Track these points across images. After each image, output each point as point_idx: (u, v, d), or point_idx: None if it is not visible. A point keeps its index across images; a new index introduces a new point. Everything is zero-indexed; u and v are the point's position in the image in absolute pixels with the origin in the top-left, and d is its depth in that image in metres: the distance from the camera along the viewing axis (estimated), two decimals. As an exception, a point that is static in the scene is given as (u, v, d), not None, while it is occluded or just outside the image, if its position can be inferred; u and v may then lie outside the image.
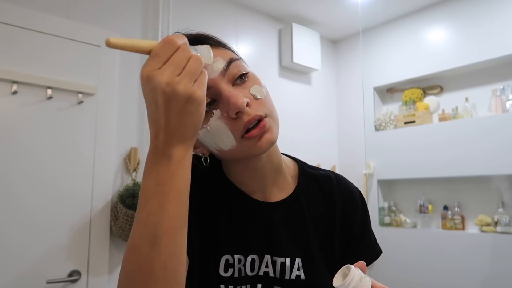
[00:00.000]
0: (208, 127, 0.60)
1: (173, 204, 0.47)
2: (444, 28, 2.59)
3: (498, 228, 2.25)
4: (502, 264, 2.16)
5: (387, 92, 3.00)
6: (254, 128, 0.59)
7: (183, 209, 0.49)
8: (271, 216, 0.69)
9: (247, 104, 0.59)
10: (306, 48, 2.80)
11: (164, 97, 0.46)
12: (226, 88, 0.59)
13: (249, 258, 0.66)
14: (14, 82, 1.65)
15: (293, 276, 0.66)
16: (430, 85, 2.76)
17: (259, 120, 0.60)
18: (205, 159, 0.68)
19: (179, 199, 0.48)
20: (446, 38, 2.57)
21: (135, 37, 2.08)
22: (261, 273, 0.67)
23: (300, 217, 0.70)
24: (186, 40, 0.48)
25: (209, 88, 0.56)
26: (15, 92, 1.65)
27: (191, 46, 0.49)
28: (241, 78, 0.62)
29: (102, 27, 1.95)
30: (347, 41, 3.20)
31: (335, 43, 3.28)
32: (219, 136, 0.60)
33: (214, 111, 0.59)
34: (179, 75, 0.46)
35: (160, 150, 0.48)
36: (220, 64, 0.61)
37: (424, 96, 2.78)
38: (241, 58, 0.66)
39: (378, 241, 0.78)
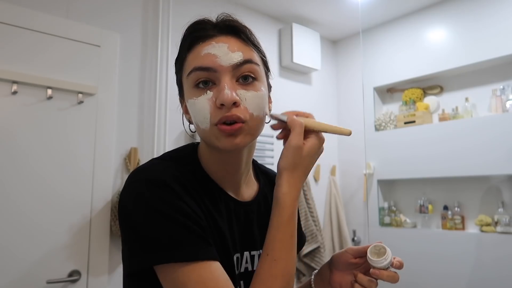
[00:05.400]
0: (195, 100, 0.64)
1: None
2: (444, 28, 2.59)
3: (498, 228, 2.25)
4: (502, 264, 2.16)
5: (387, 92, 3.00)
6: (228, 125, 0.62)
7: None
8: (250, 215, 0.74)
9: (235, 103, 0.62)
10: (306, 48, 2.80)
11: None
12: (227, 80, 0.63)
13: (235, 257, 0.69)
14: (14, 82, 1.65)
15: None
16: (430, 85, 2.76)
17: (236, 121, 0.62)
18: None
19: None
20: (446, 38, 2.57)
21: (135, 38, 2.09)
22: (242, 269, 0.71)
23: (267, 211, 0.73)
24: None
25: (214, 71, 0.63)
26: (15, 92, 1.65)
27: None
28: (245, 79, 0.65)
29: (102, 27, 1.95)
30: (347, 41, 3.20)
31: (335, 43, 3.28)
32: (199, 112, 0.64)
33: (208, 91, 0.64)
34: None
35: (299, 195, 0.66)
36: (236, 58, 0.64)
37: (424, 96, 2.78)
38: (259, 65, 0.68)
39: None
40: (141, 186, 0.61)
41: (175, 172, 0.64)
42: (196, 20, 0.70)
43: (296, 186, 0.65)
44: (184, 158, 0.71)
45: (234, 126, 0.62)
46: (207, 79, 0.64)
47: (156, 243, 0.57)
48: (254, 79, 0.66)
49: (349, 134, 0.66)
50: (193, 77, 0.64)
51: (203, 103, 0.63)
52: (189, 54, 0.67)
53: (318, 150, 0.67)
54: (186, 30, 0.69)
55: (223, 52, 0.64)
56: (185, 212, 0.59)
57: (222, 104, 0.61)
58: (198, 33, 0.67)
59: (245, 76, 0.65)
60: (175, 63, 0.72)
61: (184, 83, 0.68)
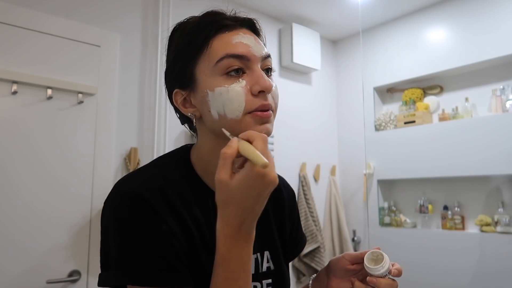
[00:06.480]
0: (228, 88, 0.62)
1: (250, 275, 0.58)
2: (444, 28, 2.59)
3: (498, 228, 2.25)
4: (502, 264, 2.16)
5: (387, 92, 3.00)
6: (263, 112, 0.63)
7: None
8: None
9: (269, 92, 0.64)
10: (306, 48, 2.80)
11: (271, 188, 0.53)
12: (260, 68, 0.64)
13: None
14: (14, 82, 1.65)
15: (264, 268, 0.72)
16: (430, 85, 2.76)
17: (269, 109, 0.64)
18: (194, 122, 0.70)
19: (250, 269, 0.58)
20: (446, 38, 2.57)
21: (135, 38, 2.09)
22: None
23: (265, 213, 0.73)
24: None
25: (248, 59, 0.63)
26: (15, 92, 1.65)
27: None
28: (267, 71, 0.67)
29: (102, 27, 1.95)
30: (347, 41, 3.20)
31: (335, 43, 3.28)
32: (234, 100, 0.61)
33: (240, 79, 0.63)
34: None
35: (243, 234, 0.55)
36: (264, 51, 0.66)
37: (424, 96, 2.78)
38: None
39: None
40: (118, 199, 0.60)
41: (160, 182, 0.62)
42: (212, 10, 0.69)
43: (229, 224, 0.55)
44: (175, 162, 0.69)
45: (267, 113, 0.63)
46: (239, 67, 0.63)
47: (121, 261, 0.57)
48: (271, 72, 0.69)
49: (263, 166, 0.50)
50: (225, 64, 0.62)
51: (238, 90, 0.61)
52: (213, 41, 0.64)
53: (254, 183, 0.52)
54: (202, 17, 0.67)
55: (253, 43, 0.65)
56: (159, 232, 0.57)
57: (260, 92, 0.62)
58: (222, 22, 0.65)
59: (267, 68, 0.67)
60: (181, 51, 0.68)
61: (205, 71, 0.64)
